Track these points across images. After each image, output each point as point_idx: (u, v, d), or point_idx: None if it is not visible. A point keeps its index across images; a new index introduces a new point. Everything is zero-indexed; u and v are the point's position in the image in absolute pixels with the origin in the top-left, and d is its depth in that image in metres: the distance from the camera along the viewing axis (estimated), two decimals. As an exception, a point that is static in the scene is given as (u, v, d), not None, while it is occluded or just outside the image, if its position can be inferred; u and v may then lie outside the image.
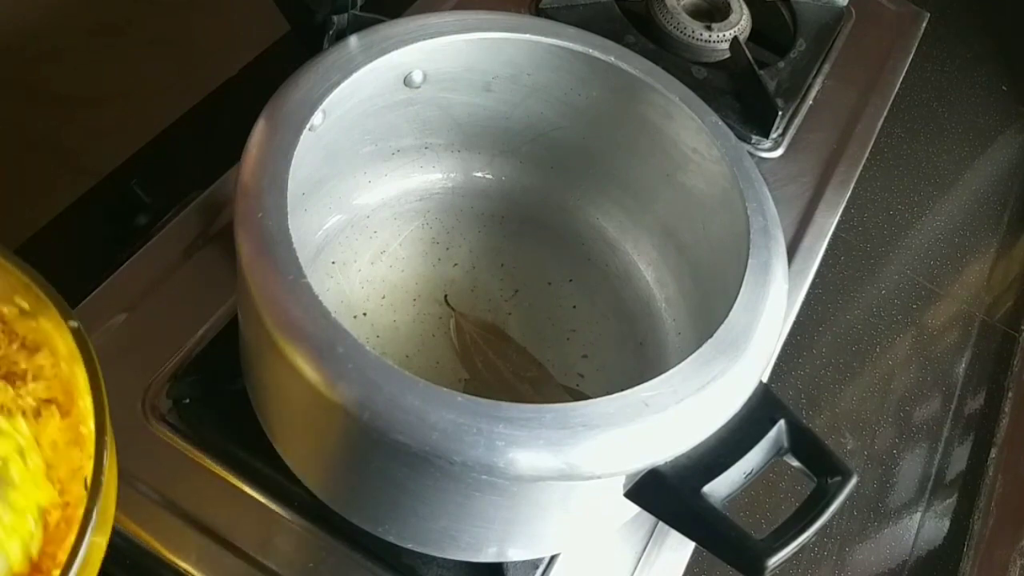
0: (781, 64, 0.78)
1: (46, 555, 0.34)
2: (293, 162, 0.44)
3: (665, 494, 0.40)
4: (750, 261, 0.45)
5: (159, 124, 0.76)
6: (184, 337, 0.54)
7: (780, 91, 0.76)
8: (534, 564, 0.51)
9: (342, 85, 0.48)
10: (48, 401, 0.38)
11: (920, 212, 1.01)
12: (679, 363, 0.40)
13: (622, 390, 0.38)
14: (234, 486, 0.50)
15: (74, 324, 0.36)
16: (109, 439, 0.34)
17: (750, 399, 0.41)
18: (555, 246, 0.61)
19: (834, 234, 0.73)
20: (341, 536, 0.49)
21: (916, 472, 0.82)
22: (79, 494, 0.35)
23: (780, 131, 0.75)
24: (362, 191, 0.61)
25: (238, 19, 0.80)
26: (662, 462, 0.39)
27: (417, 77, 0.53)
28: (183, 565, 0.47)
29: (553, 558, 0.51)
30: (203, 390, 0.53)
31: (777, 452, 0.42)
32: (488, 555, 0.48)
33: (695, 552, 0.54)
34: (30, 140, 0.67)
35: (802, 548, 0.40)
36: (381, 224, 0.61)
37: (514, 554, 0.49)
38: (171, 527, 0.48)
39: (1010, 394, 0.91)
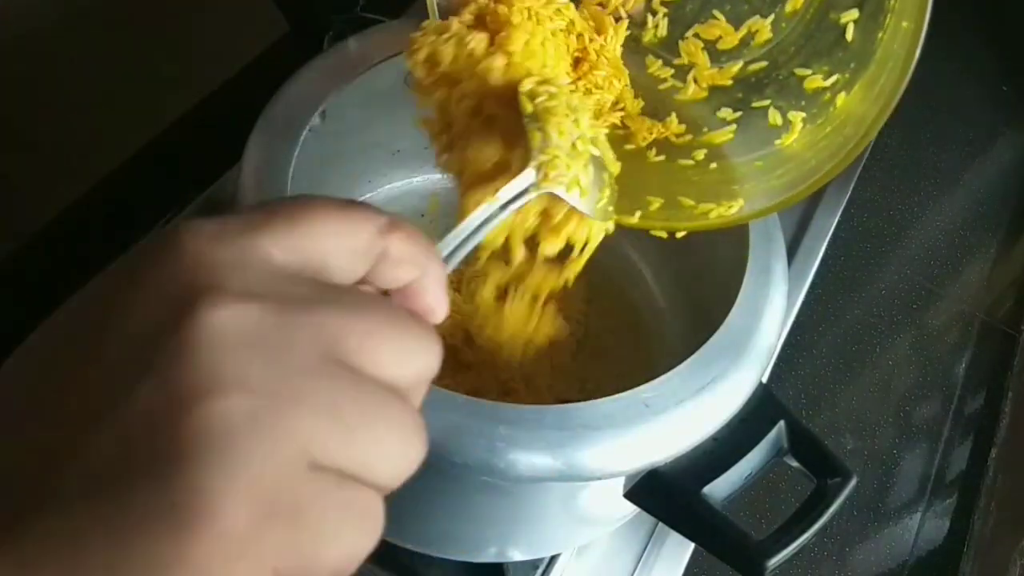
0: (781, 64, 0.78)
1: None
2: (293, 163, 0.44)
3: (665, 495, 0.40)
4: (750, 262, 0.45)
5: (159, 124, 0.76)
6: (184, 337, 0.54)
7: (780, 91, 0.76)
8: (534, 564, 0.51)
9: (342, 86, 0.48)
10: None
11: (920, 212, 1.01)
12: (679, 364, 0.40)
13: (622, 391, 0.38)
14: (234, 486, 0.50)
15: None
16: None
17: (750, 400, 0.41)
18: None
19: (834, 234, 0.73)
20: (341, 536, 0.49)
21: (916, 472, 0.82)
22: None
23: (780, 131, 0.75)
24: (362, 191, 0.61)
25: (238, 19, 0.80)
26: (662, 463, 0.39)
27: (417, 77, 0.53)
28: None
29: (553, 558, 0.51)
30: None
31: (777, 453, 0.42)
32: (488, 555, 0.48)
33: (695, 552, 0.54)
34: (30, 140, 0.67)
35: (802, 548, 0.40)
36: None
37: (514, 554, 0.49)
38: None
39: (1010, 394, 0.91)
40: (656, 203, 0.41)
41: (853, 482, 0.41)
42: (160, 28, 0.75)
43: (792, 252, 0.69)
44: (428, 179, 0.63)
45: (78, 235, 0.69)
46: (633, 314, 0.59)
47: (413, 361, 0.20)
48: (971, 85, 1.16)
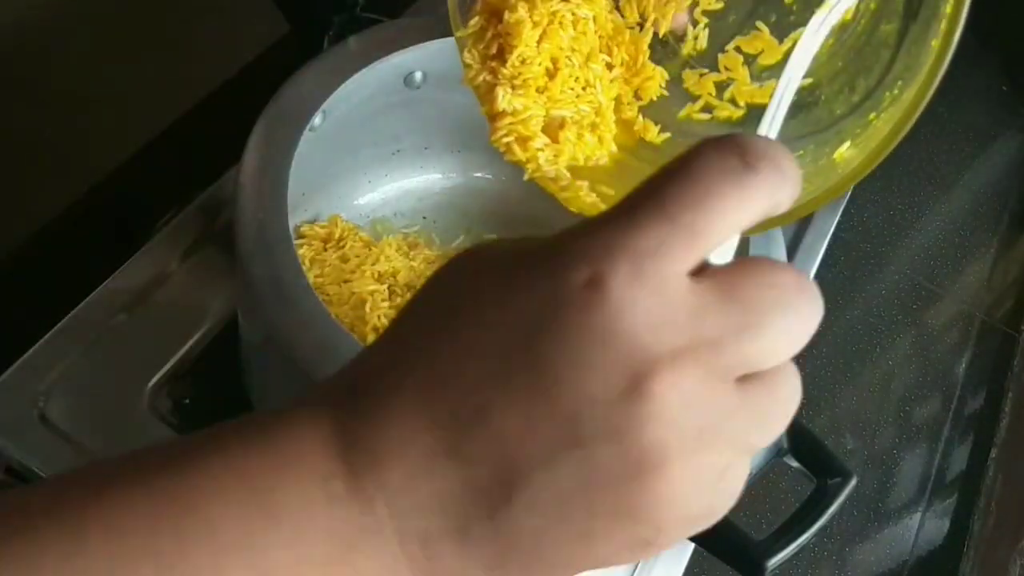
0: (781, 64, 0.78)
1: None
2: (293, 162, 0.44)
3: (665, 495, 0.40)
4: (750, 262, 0.44)
5: (159, 124, 0.75)
6: (184, 337, 0.54)
7: (780, 91, 0.76)
8: (534, 564, 0.51)
9: (342, 86, 0.48)
10: None
11: (920, 212, 1.01)
12: (679, 364, 0.40)
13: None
14: (234, 486, 0.50)
15: None
16: None
17: (750, 400, 0.41)
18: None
19: (834, 234, 0.73)
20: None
21: (916, 472, 0.82)
22: None
23: (780, 131, 0.75)
24: (362, 191, 0.61)
25: (238, 19, 0.80)
26: (662, 463, 0.39)
27: (417, 77, 0.53)
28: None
29: (553, 558, 0.51)
30: (203, 390, 0.53)
31: (777, 453, 0.42)
32: (488, 555, 0.48)
33: (695, 552, 0.54)
34: (30, 140, 0.67)
35: (802, 548, 0.40)
36: (381, 224, 0.61)
37: (514, 554, 0.49)
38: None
39: (1010, 394, 0.91)
40: None
41: (853, 482, 0.41)
42: (160, 28, 0.75)
43: (792, 252, 0.69)
44: (427, 179, 0.63)
45: (78, 235, 0.69)
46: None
47: (804, 334, 0.20)
48: (971, 85, 1.16)
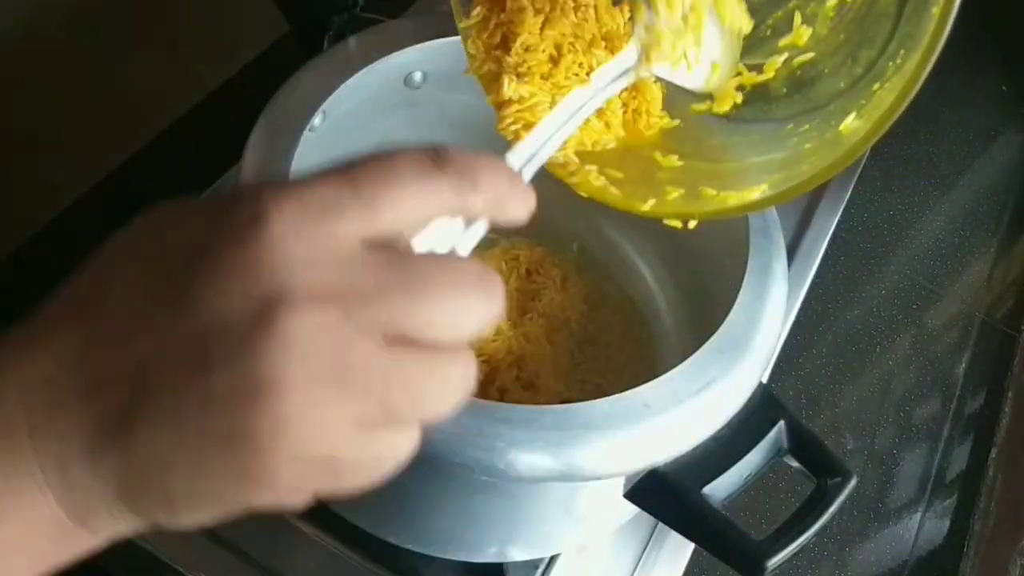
0: (781, 64, 0.78)
1: None
2: (293, 162, 0.44)
3: (665, 495, 0.40)
4: (750, 262, 0.45)
5: (159, 124, 0.76)
6: (184, 337, 0.54)
7: (780, 91, 0.76)
8: (534, 564, 0.51)
9: (342, 86, 0.48)
10: None
11: (920, 212, 1.01)
12: (679, 364, 0.40)
13: (622, 391, 0.38)
14: (234, 486, 0.50)
15: None
16: None
17: (750, 400, 0.41)
18: (555, 246, 0.61)
19: (834, 234, 0.73)
20: (342, 537, 0.49)
21: (916, 472, 0.82)
22: None
23: (780, 131, 0.75)
24: (362, 191, 0.61)
25: (238, 19, 0.80)
26: (662, 463, 0.39)
27: (417, 78, 0.53)
28: (183, 565, 0.47)
29: (553, 558, 0.51)
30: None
31: (777, 453, 0.42)
32: (488, 555, 0.48)
33: (695, 552, 0.54)
34: (30, 140, 0.67)
35: (802, 548, 0.40)
36: (381, 224, 0.61)
37: (514, 554, 0.49)
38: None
39: (1010, 394, 0.91)
40: (675, 192, 0.40)
41: (853, 482, 0.41)
42: (160, 28, 0.75)
43: (792, 252, 0.69)
44: (428, 179, 0.63)
45: (78, 235, 0.69)
46: (633, 314, 0.59)
47: (471, 322, 0.21)
48: (971, 85, 1.16)
